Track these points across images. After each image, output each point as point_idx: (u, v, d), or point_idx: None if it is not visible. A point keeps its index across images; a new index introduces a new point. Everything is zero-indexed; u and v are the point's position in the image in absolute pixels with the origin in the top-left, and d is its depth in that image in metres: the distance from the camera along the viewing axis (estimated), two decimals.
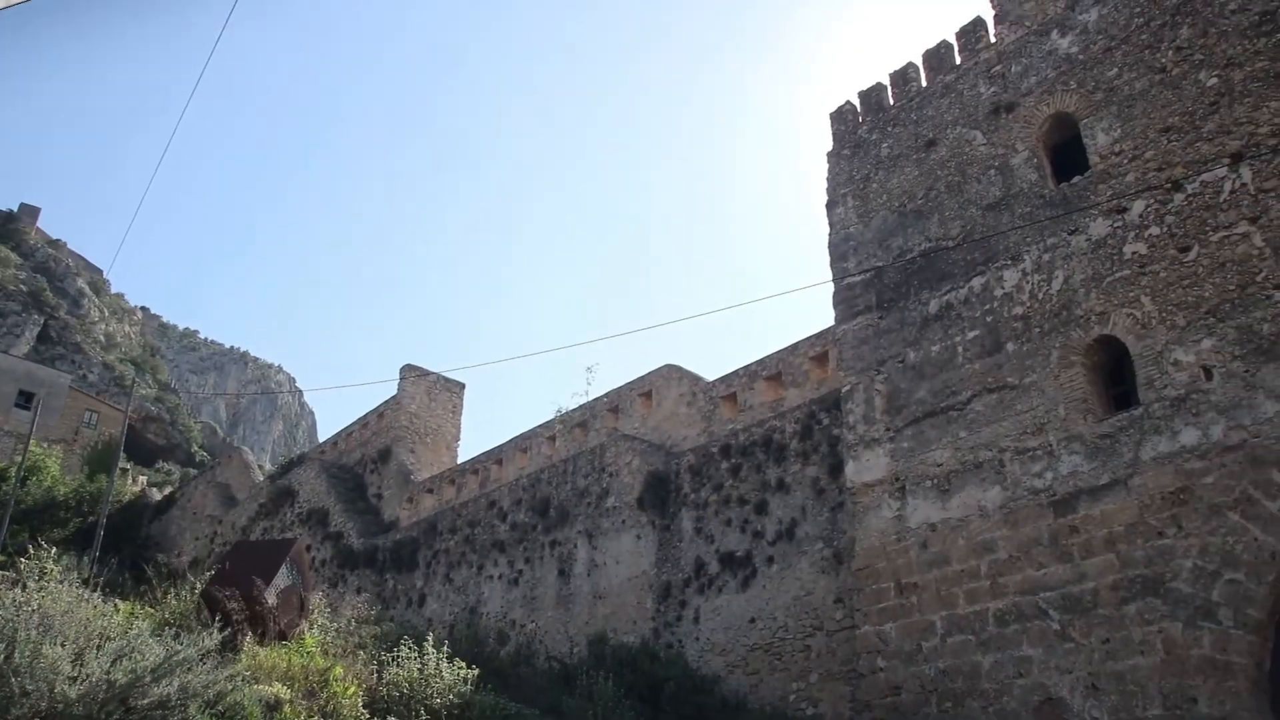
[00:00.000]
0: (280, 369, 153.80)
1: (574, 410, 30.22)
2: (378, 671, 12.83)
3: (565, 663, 21.11)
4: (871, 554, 16.36)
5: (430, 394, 38.67)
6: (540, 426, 30.96)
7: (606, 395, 29.06)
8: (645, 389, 27.50)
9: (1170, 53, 15.13)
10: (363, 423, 39.84)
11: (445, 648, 13.44)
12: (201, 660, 9.97)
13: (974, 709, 14.09)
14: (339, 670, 11.95)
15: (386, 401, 38.58)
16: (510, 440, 31.72)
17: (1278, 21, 14.01)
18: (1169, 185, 14.45)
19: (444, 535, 29.96)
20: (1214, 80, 14.46)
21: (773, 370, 23.73)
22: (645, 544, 23.10)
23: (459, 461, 36.23)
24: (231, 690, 9.85)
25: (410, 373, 38.35)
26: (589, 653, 21.28)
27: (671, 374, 26.85)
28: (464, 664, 13.45)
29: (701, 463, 22.68)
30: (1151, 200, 14.58)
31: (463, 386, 39.85)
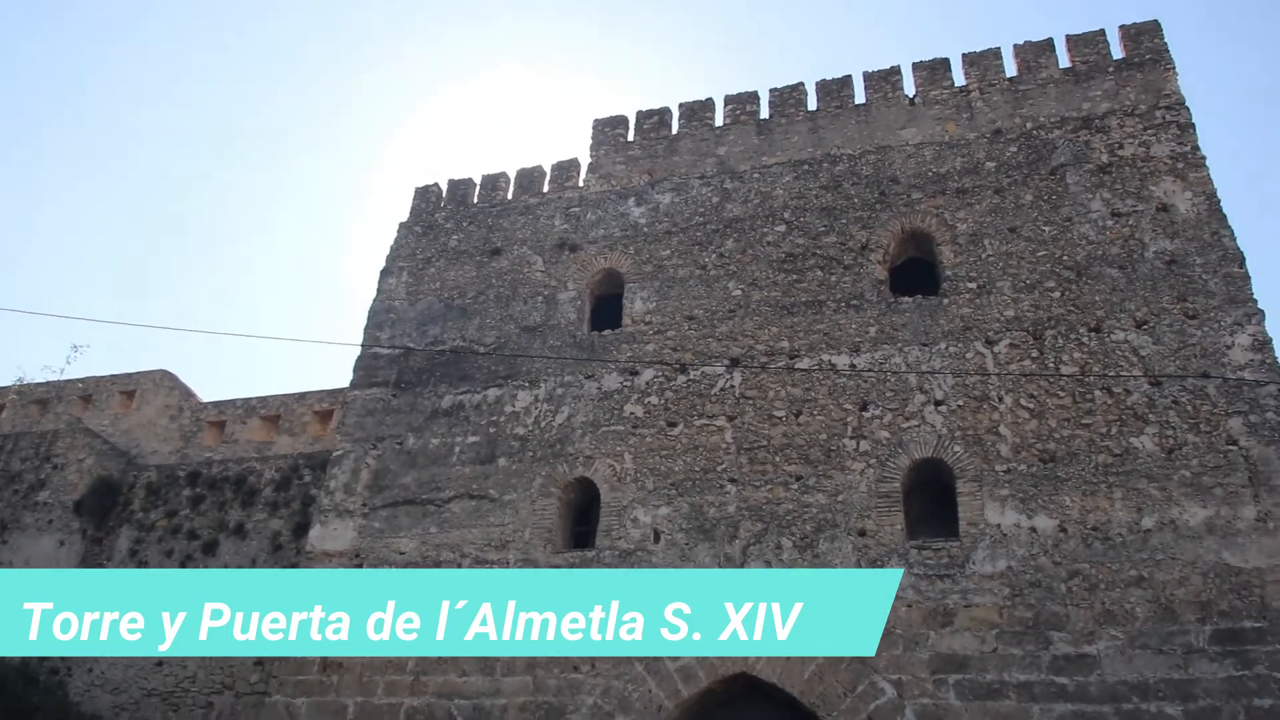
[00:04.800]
0: None
1: (39, 384, 26.81)
2: None
3: None
4: None
5: None
6: None
7: (83, 380, 26.15)
8: (130, 387, 25.16)
9: (714, 256, 17.20)
10: None
11: None
12: None
13: None
14: None
15: None
16: None
17: (796, 265, 16.54)
18: (677, 366, 16.20)
19: None
20: (738, 292, 16.61)
21: (273, 411, 22.84)
22: (68, 553, 20.75)
23: None
24: None
25: None
26: None
27: (164, 380, 24.85)
28: None
29: (164, 483, 21.04)
30: (660, 373, 16.23)
31: None
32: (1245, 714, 11.32)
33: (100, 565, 20.19)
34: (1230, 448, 12.96)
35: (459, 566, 15.53)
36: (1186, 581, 12.23)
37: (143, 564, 19.82)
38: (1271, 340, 13.54)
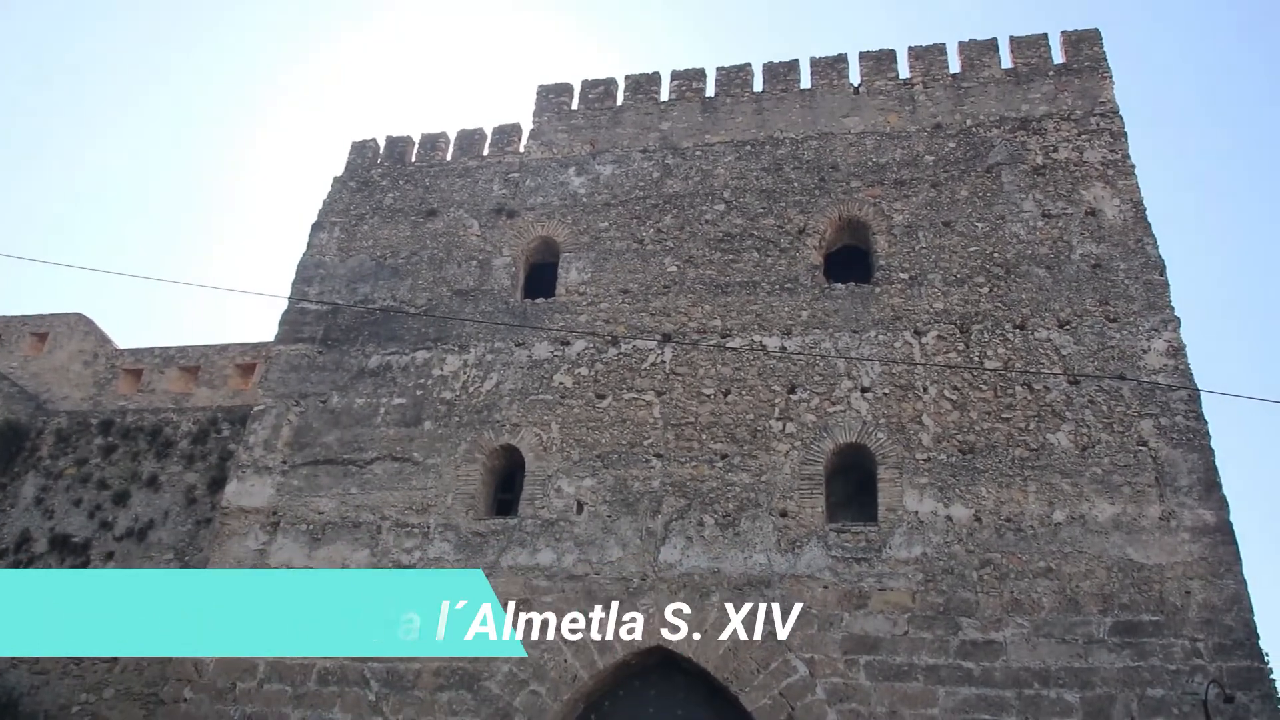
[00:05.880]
0: None
1: None
2: None
3: None
4: None
5: None
6: None
7: None
8: (42, 329, 24.32)
9: (651, 231, 17.20)
10: None
11: None
12: None
13: None
14: None
15: None
16: None
17: (733, 244, 16.63)
18: (609, 339, 16.20)
19: None
20: (674, 269, 16.65)
21: (193, 362, 22.29)
22: None
23: None
24: None
25: None
26: None
27: (79, 324, 24.08)
28: None
29: (75, 429, 20.45)
30: (591, 345, 16.21)
31: None
32: (1139, 703, 11.78)
33: (3, 512, 19.59)
34: (1140, 448, 13.41)
35: (379, 529, 15.38)
36: (1091, 574, 12.66)
37: (49, 513, 19.27)
38: (1185, 347, 14.04)
